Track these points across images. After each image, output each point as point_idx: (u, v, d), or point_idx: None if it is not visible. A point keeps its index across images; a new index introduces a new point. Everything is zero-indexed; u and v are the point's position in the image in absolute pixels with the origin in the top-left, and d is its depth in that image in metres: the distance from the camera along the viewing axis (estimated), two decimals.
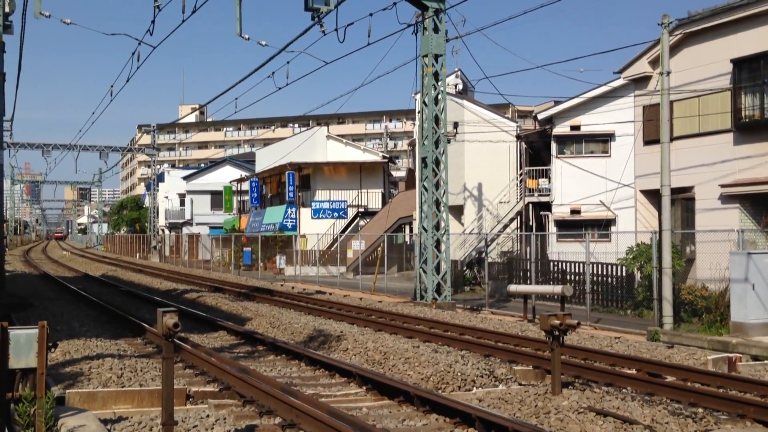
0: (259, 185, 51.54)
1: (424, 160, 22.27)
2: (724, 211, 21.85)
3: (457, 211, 31.92)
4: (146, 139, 64.80)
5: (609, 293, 22.05)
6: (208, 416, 8.43)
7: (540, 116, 29.96)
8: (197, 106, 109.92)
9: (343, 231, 41.78)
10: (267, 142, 74.63)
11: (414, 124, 41.14)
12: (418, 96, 24.06)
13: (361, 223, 43.33)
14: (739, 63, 21.65)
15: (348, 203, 45.01)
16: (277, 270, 39.60)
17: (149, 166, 67.06)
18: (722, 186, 22.00)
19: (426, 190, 22.18)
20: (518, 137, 32.09)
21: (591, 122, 27.76)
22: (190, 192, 67.08)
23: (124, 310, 18.76)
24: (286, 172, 44.80)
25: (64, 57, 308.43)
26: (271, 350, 13.66)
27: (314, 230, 41.00)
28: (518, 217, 31.27)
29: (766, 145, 21.10)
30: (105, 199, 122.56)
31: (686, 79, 22.71)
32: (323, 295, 25.72)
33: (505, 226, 31.13)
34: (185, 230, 64.28)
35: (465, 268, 29.62)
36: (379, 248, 30.12)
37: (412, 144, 46.47)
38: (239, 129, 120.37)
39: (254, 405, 9.01)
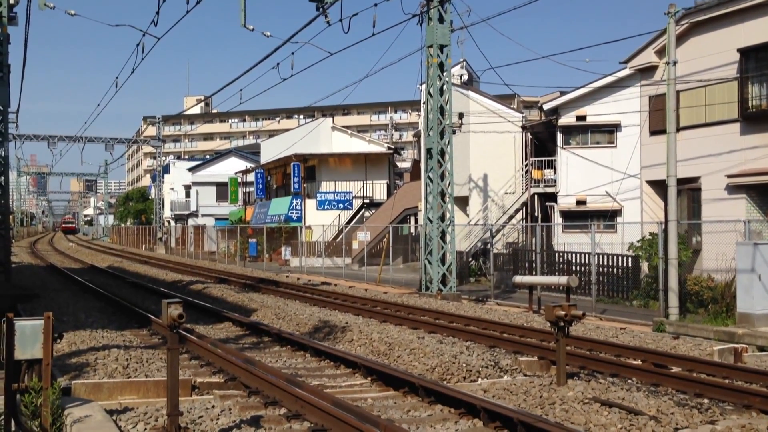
0: (265, 176, 51.56)
1: (429, 151, 22.23)
2: (731, 202, 21.77)
3: (463, 202, 31.87)
4: (151, 130, 64.85)
5: (614, 284, 22.00)
6: (213, 407, 8.45)
7: (545, 107, 29.86)
8: (202, 98, 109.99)
9: (349, 222, 41.78)
10: (272, 134, 74.62)
11: (419, 115, 41.02)
12: (423, 87, 23.97)
13: (366, 214, 43.32)
14: (745, 52, 21.52)
15: (353, 194, 44.99)
16: (283, 261, 39.65)
17: (155, 158, 67.26)
18: (729, 176, 21.91)
19: (431, 181, 22.15)
20: (524, 128, 32.01)
21: (597, 113, 27.65)
22: (195, 183, 67.15)
23: (129, 302, 18.80)
24: (292, 164, 44.79)
25: (69, 48, 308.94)
26: (277, 341, 13.68)
27: (319, 221, 41.00)
28: (523, 208, 31.22)
29: None
30: (111, 190, 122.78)
31: (693, 69, 22.60)
32: (328, 286, 25.75)
33: (511, 217, 31.10)
34: (191, 222, 64.36)
35: (470, 259, 29.59)
36: (385, 239, 30.13)
37: (417, 135, 46.38)
38: (244, 120, 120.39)
39: (259, 396, 9.02)
